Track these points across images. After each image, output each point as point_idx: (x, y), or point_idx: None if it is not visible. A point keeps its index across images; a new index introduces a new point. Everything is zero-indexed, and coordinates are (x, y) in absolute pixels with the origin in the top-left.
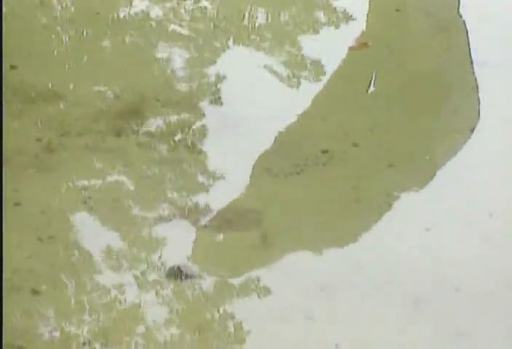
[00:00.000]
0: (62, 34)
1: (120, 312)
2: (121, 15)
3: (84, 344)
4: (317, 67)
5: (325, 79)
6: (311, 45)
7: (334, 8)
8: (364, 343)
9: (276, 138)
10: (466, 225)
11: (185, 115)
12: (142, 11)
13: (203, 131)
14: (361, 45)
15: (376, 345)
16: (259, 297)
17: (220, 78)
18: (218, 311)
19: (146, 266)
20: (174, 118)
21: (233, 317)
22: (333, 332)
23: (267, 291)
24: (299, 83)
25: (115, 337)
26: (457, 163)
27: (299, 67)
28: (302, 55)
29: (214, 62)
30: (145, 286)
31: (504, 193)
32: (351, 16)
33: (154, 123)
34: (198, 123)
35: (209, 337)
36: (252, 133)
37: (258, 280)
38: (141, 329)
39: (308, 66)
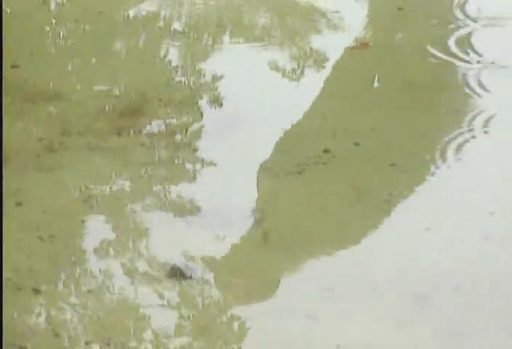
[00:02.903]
0: (63, 33)
1: (123, 311)
2: (124, 14)
3: (85, 343)
4: (318, 67)
5: (326, 79)
6: (313, 44)
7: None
8: (365, 343)
9: (277, 137)
10: (466, 224)
11: (186, 115)
12: (146, 10)
13: (204, 131)
14: (363, 45)
15: (377, 345)
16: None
17: (220, 77)
18: (220, 312)
19: (147, 265)
20: (175, 117)
21: (235, 317)
22: (335, 332)
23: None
24: (300, 81)
25: (116, 336)
26: (457, 162)
27: (301, 66)
28: (304, 54)
29: (214, 60)
30: (146, 285)
31: (504, 191)
32: (351, 17)
33: (156, 123)
34: (200, 123)
35: (212, 337)
36: (253, 132)
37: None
38: (142, 328)
39: (309, 66)
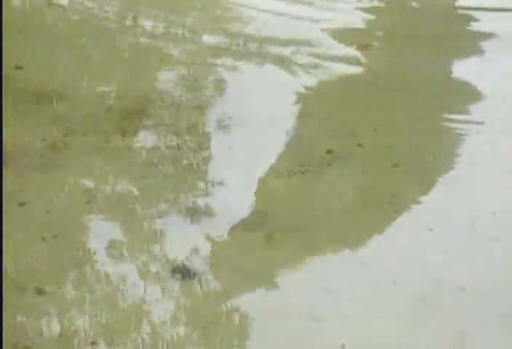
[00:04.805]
0: (67, 34)
1: (125, 310)
2: (128, 16)
3: (90, 343)
4: (322, 69)
5: (329, 80)
6: (315, 46)
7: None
8: (369, 343)
9: (281, 138)
10: (469, 224)
11: (190, 115)
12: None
13: (208, 131)
14: (364, 46)
15: (381, 345)
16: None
17: (224, 79)
18: (223, 311)
19: (151, 264)
20: (179, 118)
21: (238, 317)
22: (339, 332)
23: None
24: (303, 82)
25: (121, 335)
26: (460, 163)
27: (303, 69)
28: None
29: (217, 63)
30: (150, 283)
31: (507, 191)
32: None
33: (159, 124)
34: (203, 123)
35: (214, 337)
36: (257, 132)
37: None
38: (146, 327)
39: (312, 68)
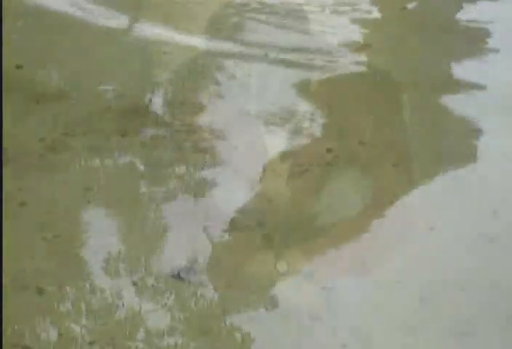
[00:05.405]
0: (67, 34)
1: (124, 313)
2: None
3: (89, 343)
4: (322, 67)
5: (330, 79)
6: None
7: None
8: (371, 343)
9: (280, 137)
10: (470, 223)
11: (189, 115)
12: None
13: (207, 131)
14: (364, 46)
15: (381, 345)
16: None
17: (223, 78)
18: (223, 311)
19: (147, 270)
20: (178, 118)
21: (237, 318)
22: (339, 332)
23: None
24: (303, 81)
25: (120, 336)
26: (460, 162)
27: (304, 68)
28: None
29: (217, 61)
30: (149, 287)
31: (507, 191)
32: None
33: (159, 123)
34: (203, 123)
35: (214, 338)
36: (256, 132)
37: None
38: (145, 329)
39: (313, 67)
